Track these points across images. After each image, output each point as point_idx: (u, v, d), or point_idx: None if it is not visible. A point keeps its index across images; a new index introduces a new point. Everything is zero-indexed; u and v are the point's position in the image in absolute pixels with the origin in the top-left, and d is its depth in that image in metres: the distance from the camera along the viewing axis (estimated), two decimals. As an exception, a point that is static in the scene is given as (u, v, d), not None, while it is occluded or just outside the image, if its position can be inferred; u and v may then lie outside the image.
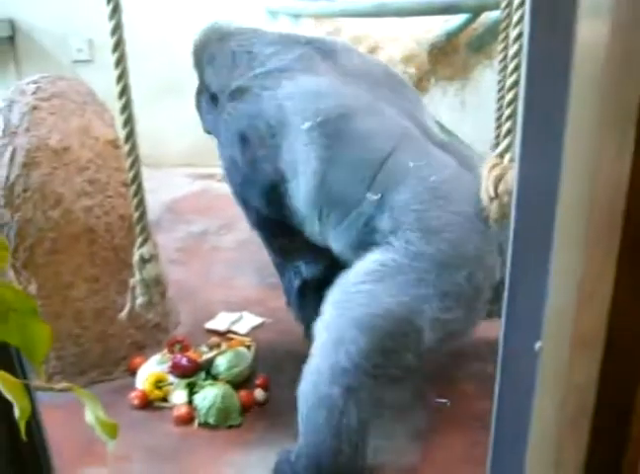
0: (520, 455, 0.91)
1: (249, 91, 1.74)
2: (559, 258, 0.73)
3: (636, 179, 0.53)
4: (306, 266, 1.94)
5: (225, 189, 3.86)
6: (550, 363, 0.71)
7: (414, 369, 1.55)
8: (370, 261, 1.56)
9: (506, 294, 0.96)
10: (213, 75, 1.88)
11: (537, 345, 0.82)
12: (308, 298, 1.93)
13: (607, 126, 0.57)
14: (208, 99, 1.93)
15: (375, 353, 1.49)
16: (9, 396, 0.56)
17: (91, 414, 0.61)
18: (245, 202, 1.91)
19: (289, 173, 1.70)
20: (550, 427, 0.72)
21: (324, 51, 1.81)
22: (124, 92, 1.30)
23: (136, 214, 1.40)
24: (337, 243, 1.70)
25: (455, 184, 1.61)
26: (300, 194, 1.69)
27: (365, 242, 1.60)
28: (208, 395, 1.91)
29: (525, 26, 0.83)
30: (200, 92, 2.01)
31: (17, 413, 0.57)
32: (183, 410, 1.93)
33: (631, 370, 0.59)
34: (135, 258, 1.45)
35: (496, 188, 1.89)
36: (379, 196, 1.57)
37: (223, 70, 1.84)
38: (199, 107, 2.05)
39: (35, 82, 2.06)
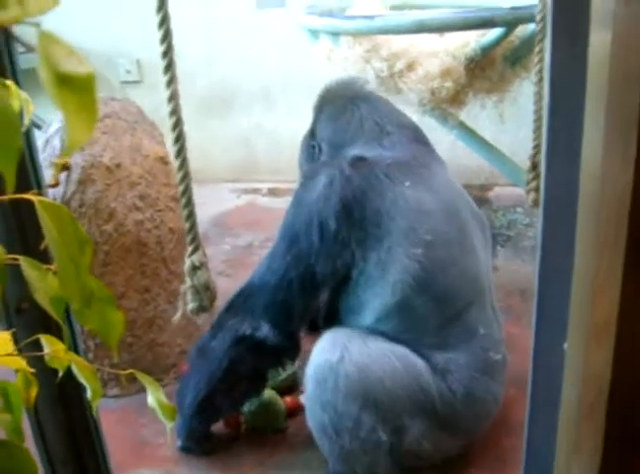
0: (551, 448, 0.96)
1: (371, 169, 1.61)
2: (578, 258, 0.78)
3: (640, 181, 0.58)
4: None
5: (270, 203, 3.96)
6: (570, 353, 0.76)
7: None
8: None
9: (535, 298, 1.01)
10: (331, 129, 1.80)
11: (565, 345, 0.87)
12: None
13: (614, 133, 0.63)
14: (309, 145, 1.88)
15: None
16: (82, 379, 0.64)
17: (152, 398, 0.68)
18: (294, 255, 1.64)
19: (373, 265, 1.60)
20: (571, 413, 0.77)
21: (439, 162, 1.78)
22: (175, 111, 1.37)
23: (187, 224, 1.46)
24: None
25: (501, 363, 1.73)
26: (375, 291, 1.62)
27: None
28: (254, 400, 1.96)
29: (547, 39, 0.89)
30: (307, 135, 1.93)
31: (89, 395, 0.65)
32: (230, 414, 1.98)
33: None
34: (186, 265, 1.52)
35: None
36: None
37: (347, 128, 1.76)
38: (302, 144, 1.97)
39: (88, 103, 2.17)
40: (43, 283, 0.52)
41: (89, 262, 0.51)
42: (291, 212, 1.67)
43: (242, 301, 1.74)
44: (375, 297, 1.62)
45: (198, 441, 1.91)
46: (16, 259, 0.52)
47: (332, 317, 1.76)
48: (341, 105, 1.80)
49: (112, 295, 0.58)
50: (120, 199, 2.09)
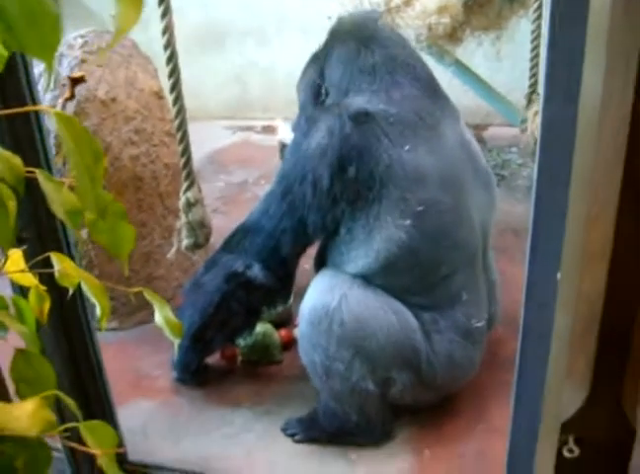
0: (542, 373, 0.99)
1: (372, 126, 1.56)
2: (574, 189, 0.79)
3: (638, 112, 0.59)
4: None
5: (264, 141, 3.93)
6: (564, 279, 0.78)
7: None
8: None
9: (530, 229, 1.03)
10: (341, 73, 1.71)
11: (558, 275, 0.89)
12: None
13: (616, 61, 0.63)
14: (316, 85, 1.77)
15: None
16: (92, 297, 0.66)
17: (160, 315, 0.70)
18: (288, 204, 1.65)
19: (360, 226, 1.60)
20: (564, 339, 0.79)
21: (451, 116, 1.71)
22: (170, 43, 1.37)
23: (182, 160, 1.47)
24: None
25: (483, 329, 1.75)
26: (358, 252, 1.63)
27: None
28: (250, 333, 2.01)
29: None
30: (310, 65, 1.83)
31: (98, 312, 0.67)
32: (226, 347, 2.02)
33: (633, 283, 0.67)
34: (182, 202, 1.52)
35: (541, 132, 1.96)
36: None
37: (357, 75, 1.67)
38: (303, 73, 1.86)
39: (82, 36, 2.13)
40: (59, 196, 0.53)
41: (102, 174, 0.52)
42: (289, 159, 1.66)
43: (237, 241, 1.75)
44: (358, 259, 1.63)
45: (192, 373, 1.96)
46: (32, 172, 0.53)
47: (323, 264, 1.78)
48: (354, 48, 1.69)
49: (124, 209, 0.60)
50: (115, 134, 2.08)
